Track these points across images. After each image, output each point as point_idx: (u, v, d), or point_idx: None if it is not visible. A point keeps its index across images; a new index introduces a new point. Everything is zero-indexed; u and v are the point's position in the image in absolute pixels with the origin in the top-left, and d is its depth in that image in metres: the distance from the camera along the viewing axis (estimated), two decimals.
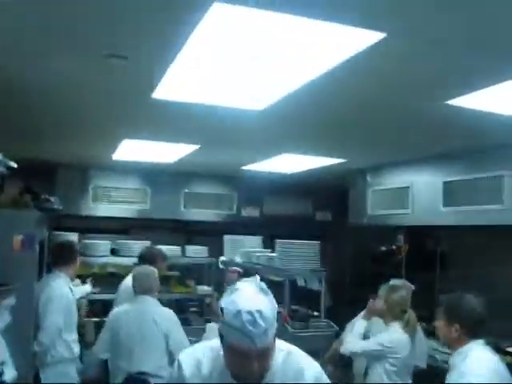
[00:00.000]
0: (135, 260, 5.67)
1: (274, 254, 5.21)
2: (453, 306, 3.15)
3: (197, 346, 2.41)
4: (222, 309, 2.00)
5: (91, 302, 5.83)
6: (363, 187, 6.68)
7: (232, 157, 6.12)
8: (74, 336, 4.56)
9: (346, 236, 7.68)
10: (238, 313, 1.92)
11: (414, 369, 4.04)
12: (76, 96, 3.65)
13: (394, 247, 6.80)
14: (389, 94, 3.32)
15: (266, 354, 2.00)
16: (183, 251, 7.04)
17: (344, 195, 7.16)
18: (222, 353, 2.10)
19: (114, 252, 6.75)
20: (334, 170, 6.52)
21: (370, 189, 6.58)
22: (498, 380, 2.83)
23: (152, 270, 4.54)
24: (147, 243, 6.22)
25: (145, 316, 4.22)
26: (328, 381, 2.21)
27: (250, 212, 8.09)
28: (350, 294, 7.40)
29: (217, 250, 6.88)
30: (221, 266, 6.45)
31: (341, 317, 5.01)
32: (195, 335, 5.19)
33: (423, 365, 4.43)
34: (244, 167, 6.78)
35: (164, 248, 6.25)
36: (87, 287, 5.71)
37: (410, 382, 3.95)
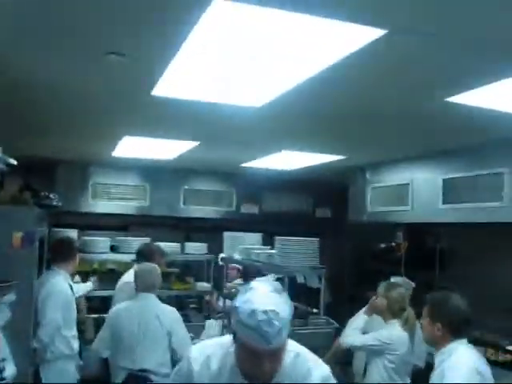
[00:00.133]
0: (134, 257, 5.67)
1: (273, 251, 5.20)
2: (436, 305, 3.13)
3: (206, 342, 2.40)
4: (236, 307, 1.99)
5: (90, 299, 5.83)
6: (363, 184, 6.69)
7: (231, 154, 6.12)
8: (74, 332, 4.56)
9: (345, 233, 7.68)
10: (253, 312, 1.92)
11: (413, 368, 4.04)
12: (76, 93, 3.65)
13: (393, 244, 6.80)
14: (388, 90, 3.31)
15: (278, 354, 2.00)
16: (183, 248, 7.04)
17: (344, 192, 7.17)
18: (231, 350, 2.11)
19: (113, 249, 6.76)
20: (333, 167, 6.52)
21: (369, 186, 6.58)
22: (478, 380, 2.82)
23: (154, 267, 4.53)
24: (147, 240, 6.22)
25: (147, 313, 4.21)
26: (334, 381, 2.19)
27: (249, 209, 8.10)
28: (349, 291, 7.41)
29: (216, 246, 6.89)
30: (220, 263, 6.45)
31: (340, 314, 5.02)
32: (195, 332, 5.20)
33: (422, 364, 4.43)
34: (243, 164, 6.78)
35: (163, 245, 6.26)
36: (89, 285, 5.71)
37: (409, 381, 3.95)
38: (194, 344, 2.61)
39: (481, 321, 5.32)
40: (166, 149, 5.77)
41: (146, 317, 4.18)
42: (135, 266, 4.80)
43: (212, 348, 2.23)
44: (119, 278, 5.33)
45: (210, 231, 7.51)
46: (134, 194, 7.50)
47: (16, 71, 3.17)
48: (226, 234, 6.77)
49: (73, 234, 6.40)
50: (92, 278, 5.88)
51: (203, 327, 5.38)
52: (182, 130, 4.83)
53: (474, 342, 4.95)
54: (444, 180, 5.23)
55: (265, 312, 1.91)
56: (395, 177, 6.10)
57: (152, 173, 7.44)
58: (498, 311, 5.07)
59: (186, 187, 7.72)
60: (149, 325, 4.15)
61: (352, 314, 4.52)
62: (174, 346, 4.15)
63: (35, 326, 4.15)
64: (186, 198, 7.73)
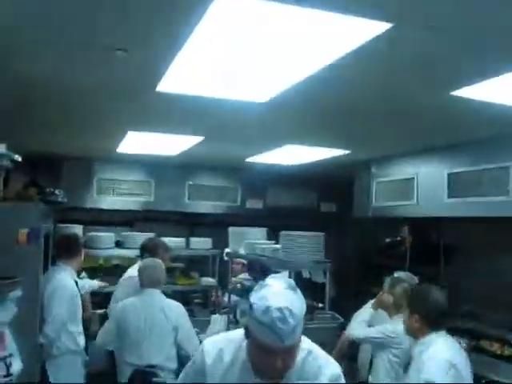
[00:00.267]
0: (139, 252, 5.68)
1: (278, 246, 5.21)
2: (415, 297, 3.22)
3: (219, 336, 2.41)
4: (250, 304, 1.99)
5: (95, 294, 5.84)
6: (368, 179, 6.67)
7: (236, 149, 6.11)
8: (79, 328, 4.58)
9: (350, 227, 7.68)
10: (268, 309, 1.92)
11: None
12: (80, 90, 3.65)
13: (398, 239, 6.79)
14: (394, 85, 3.30)
15: (291, 351, 1.99)
16: (187, 243, 7.05)
17: (349, 187, 7.15)
18: (244, 345, 2.11)
19: (118, 244, 6.78)
20: (338, 162, 6.51)
21: (374, 180, 6.57)
22: (453, 374, 2.85)
23: (159, 263, 4.54)
24: (151, 235, 6.22)
25: (153, 309, 4.22)
26: (344, 381, 2.18)
27: (253, 204, 8.10)
28: (354, 285, 7.41)
29: (221, 241, 6.88)
30: (226, 258, 6.46)
31: (345, 308, 5.02)
32: (200, 327, 5.22)
33: None
34: (248, 159, 6.77)
35: (168, 240, 6.27)
36: (95, 282, 5.73)
37: None
38: (200, 339, 2.62)
39: (486, 315, 5.33)
40: (170, 144, 5.76)
41: (152, 312, 4.19)
42: (140, 262, 4.81)
43: (225, 342, 2.23)
44: (124, 273, 5.35)
45: (215, 226, 7.52)
46: (139, 190, 7.51)
47: (19, 68, 3.17)
48: (231, 229, 6.75)
49: (78, 229, 6.41)
50: (98, 279, 5.91)
51: (208, 322, 5.40)
52: (186, 126, 4.83)
53: (480, 336, 5.00)
54: (449, 174, 5.21)
55: (279, 309, 1.91)
56: (400, 171, 6.09)
57: (157, 168, 7.44)
58: (503, 306, 5.06)
59: (191, 183, 7.73)
60: (155, 320, 4.16)
61: (357, 308, 4.53)
62: (179, 340, 4.16)
63: (41, 321, 4.17)
64: (191, 194, 7.74)
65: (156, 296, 4.32)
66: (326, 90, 3.43)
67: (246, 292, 4.77)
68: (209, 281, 6.91)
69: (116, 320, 4.27)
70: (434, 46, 2.58)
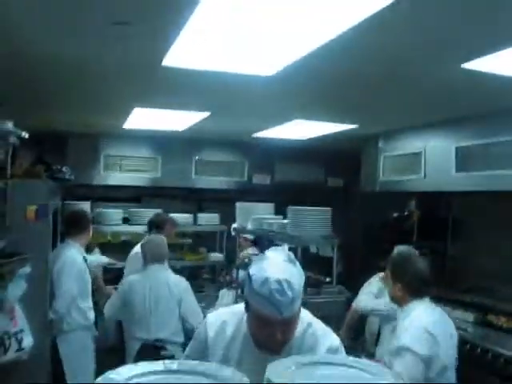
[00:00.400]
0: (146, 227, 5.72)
1: (285, 221, 5.21)
2: (397, 266, 3.25)
3: (222, 309, 2.43)
4: (249, 276, 2.00)
5: (107, 271, 5.90)
6: (375, 153, 6.63)
7: (243, 124, 6.09)
8: (89, 304, 4.63)
9: (357, 202, 7.66)
10: (266, 280, 1.92)
11: None
12: (86, 65, 3.62)
13: (406, 213, 6.77)
14: (403, 58, 3.26)
15: (290, 323, 2.00)
16: (195, 219, 7.07)
17: (356, 161, 7.12)
18: (245, 318, 2.12)
19: (126, 220, 6.81)
20: (345, 136, 6.48)
21: (382, 154, 6.53)
22: (430, 341, 2.88)
23: (162, 239, 4.59)
24: (159, 211, 6.25)
25: (158, 284, 4.28)
26: (344, 353, 2.17)
27: (261, 179, 8.08)
28: (361, 260, 7.42)
29: (228, 217, 6.90)
30: (233, 234, 6.48)
31: (352, 283, 5.04)
32: (208, 302, 5.27)
33: None
34: (255, 134, 6.74)
35: (176, 216, 6.30)
36: (104, 258, 5.77)
37: None
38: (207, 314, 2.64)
39: (493, 289, 5.34)
40: (177, 120, 5.74)
41: (157, 287, 4.26)
42: (143, 239, 4.85)
43: (228, 315, 2.25)
44: (132, 249, 5.39)
45: (222, 202, 7.52)
46: (146, 166, 7.49)
47: (25, 44, 3.14)
48: (239, 205, 6.76)
49: (86, 206, 6.44)
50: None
51: (217, 297, 5.44)
52: (192, 101, 4.81)
53: (487, 309, 5.02)
54: (457, 148, 5.17)
55: (278, 281, 1.92)
56: (408, 145, 6.05)
57: (163, 144, 7.41)
58: (511, 280, 5.07)
59: (198, 158, 7.71)
60: (160, 295, 4.22)
61: (364, 282, 4.55)
62: (183, 313, 4.23)
63: (51, 297, 4.22)
64: (198, 169, 7.72)
65: (160, 271, 4.38)
66: (332, 64, 3.40)
67: None
68: (217, 256, 6.96)
69: (122, 295, 4.35)
70: (444, 16, 2.54)
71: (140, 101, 4.88)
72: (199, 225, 7.07)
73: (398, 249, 4.56)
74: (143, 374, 1.42)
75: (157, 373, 1.44)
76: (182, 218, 6.67)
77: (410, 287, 3.11)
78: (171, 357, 3.83)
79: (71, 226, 4.78)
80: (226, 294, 5.35)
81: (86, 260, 4.70)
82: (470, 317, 5.03)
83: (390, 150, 6.40)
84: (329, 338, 2.16)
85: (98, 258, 5.65)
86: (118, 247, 6.54)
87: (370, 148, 6.77)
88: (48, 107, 5.35)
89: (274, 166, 8.13)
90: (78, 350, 4.44)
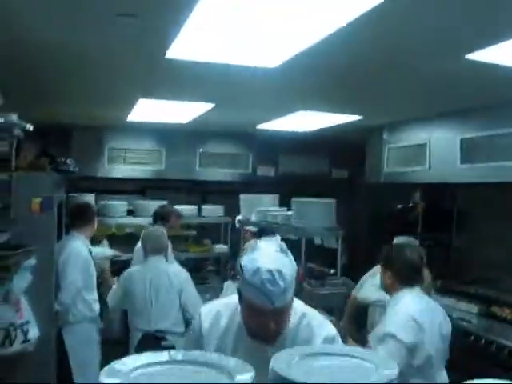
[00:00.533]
0: (151, 219, 5.73)
1: (290, 213, 5.21)
2: (388, 255, 3.33)
3: (216, 301, 2.46)
4: (241, 266, 2.01)
5: (113, 263, 5.92)
6: (380, 144, 6.62)
7: (247, 115, 6.08)
8: (95, 295, 4.65)
9: (362, 194, 7.66)
10: (258, 270, 1.93)
11: None
12: (90, 57, 3.62)
13: (410, 205, 6.77)
14: (407, 49, 3.24)
15: (282, 313, 2.01)
16: (199, 211, 7.08)
17: (360, 153, 7.11)
18: (239, 309, 2.13)
19: (130, 212, 6.82)
20: (350, 128, 6.46)
21: (386, 146, 6.52)
22: (415, 328, 2.92)
23: (161, 231, 4.62)
24: (164, 203, 6.26)
25: (158, 275, 4.32)
26: (340, 342, 2.20)
27: (265, 171, 8.07)
28: (365, 251, 7.42)
29: (232, 209, 6.90)
30: (237, 225, 6.49)
31: (356, 274, 5.04)
32: (213, 293, 5.28)
33: None
34: (259, 126, 6.74)
35: (180, 208, 6.31)
36: (109, 251, 5.79)
37: None
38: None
39: (498, 281, 5.34)
40: (181, 111, 5.74)
41: (157, 278, 4.30)
42: (143, 232, 4.87)
43: (221, 306, 2.27)
44: (137, 241, 5.40)
45: (227, 194, 7.52)
46: (150, 158, 7.49)
47: (28, 35, 3.14)
48: (243, 196, 6.75)
49: (90, 198, 6.45)
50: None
51: (221, 289, 5.45)
52: (197, 92, 4.80)
53: (491, 301, 5.02)
54: (462, 139, 5.15)
55: (269, 271, 1.93)
56: (412, 137, 6.03)
57: (167, 136, 7.40)
58: None
59: (202, 150, 7.70)
60: (160, 286, 4.27)
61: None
62: (183, 303, 4.27)
63: (56, 289, 4.24)
64: (202, 161, 7.71)
65: (160, 263, 4.42)
66: (337, 55, 3.38)
67: None
68: (221, 248, 6.97)
69: (123, 283, 4.41)
70: (449, 6, 2.52)
71: (144, 92, 4.87)
72: (204, 217, 7.08)
73: (398, 239, 4.60)
74: (149, 365, 1.43)
75: (162, 363, 1.45)
76: (186, 209, 6.67)
77: (399, 275, 3.17)
78: (172, 347, 3.85)
79: (76, 218, 4.80)
80: (230, 286, 5.35)
81: (91, 252, 4.72)
82: (474, 308, 5.04)
83: (395, 141, 6.39)
84: (325, 328, 2.17)
85: (103, 251, 5.66)
86: (123, 239, 6.55)
87: (375, 139, 6.76)
88: (52, 99, 5.34)
89: (278, 158, 8.12)
90: (83, 342, 4.47)
